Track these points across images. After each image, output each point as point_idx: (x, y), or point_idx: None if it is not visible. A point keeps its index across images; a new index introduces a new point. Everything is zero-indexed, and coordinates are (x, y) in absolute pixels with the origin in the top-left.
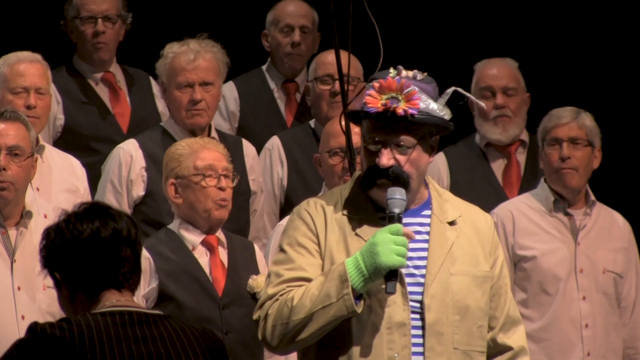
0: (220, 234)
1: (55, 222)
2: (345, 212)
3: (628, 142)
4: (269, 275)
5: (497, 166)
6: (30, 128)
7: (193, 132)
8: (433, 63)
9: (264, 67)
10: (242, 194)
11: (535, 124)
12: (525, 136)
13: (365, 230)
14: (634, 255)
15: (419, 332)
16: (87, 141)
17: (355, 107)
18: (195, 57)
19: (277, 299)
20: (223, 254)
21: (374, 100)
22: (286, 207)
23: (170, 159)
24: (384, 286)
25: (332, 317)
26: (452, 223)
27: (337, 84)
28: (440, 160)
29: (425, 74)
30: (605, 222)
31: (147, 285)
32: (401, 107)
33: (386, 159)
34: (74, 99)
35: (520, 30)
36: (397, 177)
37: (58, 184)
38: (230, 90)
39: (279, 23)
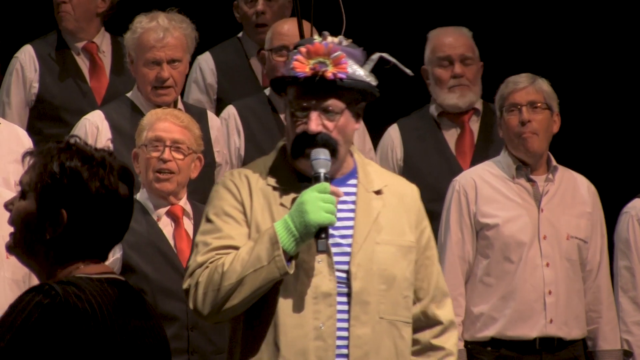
0: (186, 204)
1: (90, 155)
2: (269, 182)
3: (587, 108)
4: (196, 245)
5: (450, 135)
6: None
7: (159, 106)
8: (387, 32)
9: (239, 36)
10: (207, 165)
11: (487, 93)
12: (479, 104)
13: (290, 199)
14: (598, 218)
15: (345, 299)
16: (58, 112)
17: (282, 73)
18: (164, 36)
19: (207, 267)
20: (188, 224)
21: (301, 65)
22: None
23: (137, 130)
24: (314, 244)
25: (263, 280)
26: (378, 192)
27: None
28: (393, 132)
29: (350, 40)
30: (569, 187)
31: (112, 255)
32: (330, 71)
33: (315, 124)
34: (51, 68)
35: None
36: (326, 144)
37: (6, 155)
38: (207, 62)
39: None
